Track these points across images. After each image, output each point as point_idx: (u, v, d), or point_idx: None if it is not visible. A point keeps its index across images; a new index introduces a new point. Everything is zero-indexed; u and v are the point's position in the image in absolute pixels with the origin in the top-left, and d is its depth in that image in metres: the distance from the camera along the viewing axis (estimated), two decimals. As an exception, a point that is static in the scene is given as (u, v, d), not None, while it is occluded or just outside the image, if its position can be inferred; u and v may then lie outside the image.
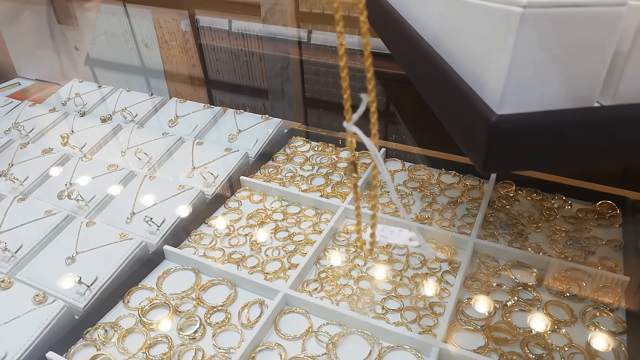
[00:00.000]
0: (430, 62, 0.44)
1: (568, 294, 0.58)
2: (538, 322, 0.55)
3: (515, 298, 0.58)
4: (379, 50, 1.44)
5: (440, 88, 0.43)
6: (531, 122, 0.35)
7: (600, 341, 0.53)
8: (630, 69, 0.35)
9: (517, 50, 0.33)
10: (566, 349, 0.52)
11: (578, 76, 0.35)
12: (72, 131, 0.92)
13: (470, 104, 0.36)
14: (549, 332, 0.54)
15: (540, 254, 0.63)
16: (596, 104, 0.37)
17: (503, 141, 0.35)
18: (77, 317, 0.59)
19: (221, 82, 1.58)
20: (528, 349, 0.52)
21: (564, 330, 0.54)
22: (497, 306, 0.57)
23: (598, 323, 0.55)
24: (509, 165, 0.37)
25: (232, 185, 0.80)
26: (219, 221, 0.73)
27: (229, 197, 0.78)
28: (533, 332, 0.54)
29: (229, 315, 0.58)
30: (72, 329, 0.57)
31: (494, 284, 0.60)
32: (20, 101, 1.06)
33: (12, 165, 0.84)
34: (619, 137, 0.37)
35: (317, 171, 0.82)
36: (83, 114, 0.98)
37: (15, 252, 0.66)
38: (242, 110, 0.94)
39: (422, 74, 0.49)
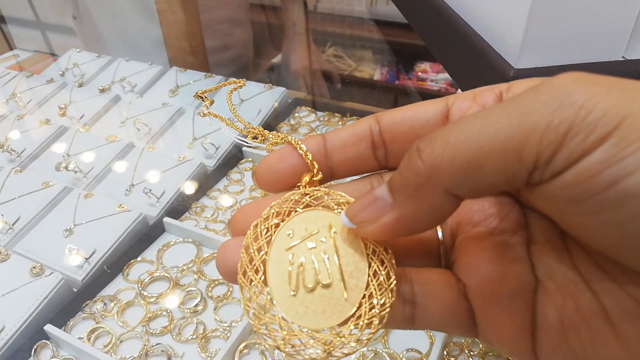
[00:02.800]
0: (443, 16, 0.41)
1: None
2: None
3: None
4: (390, 18, 1.39)
5: (454, 43, 0.40)
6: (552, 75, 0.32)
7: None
8: (665, 19, 0.32)
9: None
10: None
11: (603, 28, 0.32)
12: (70, 102, 0.90)
13: (485, 58, 0.33)
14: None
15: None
16: (622, 59, 0.34)
17: (522, 99, 0.32)
18: (75, 290, 0.58)
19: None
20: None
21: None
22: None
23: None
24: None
25: (235, 156, 0.77)
26: (221, 193, 0.71)
27: (231, 169, 0.75)
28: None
29: (231, 289, 0.56)
30: (71, 302, 0.56)
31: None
32: (18, 72, 1.03)
33: (10, 136, 0.82)
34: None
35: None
36: (81, 85, 0.95)
37: (13, 225, 0.65)
38: (241, 80, 0.91)
39: (434, 29, 0.45)
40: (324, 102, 0.91)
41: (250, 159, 0.77)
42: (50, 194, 0.68)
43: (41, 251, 0.61)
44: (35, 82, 0.98)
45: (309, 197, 0.26)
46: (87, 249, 0.60)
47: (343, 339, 0.23)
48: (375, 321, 0.24)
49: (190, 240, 0.63)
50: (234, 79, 0.45)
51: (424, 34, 0.52)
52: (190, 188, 0.70)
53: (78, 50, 1.07)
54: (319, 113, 0.87)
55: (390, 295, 0.24)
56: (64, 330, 0.53)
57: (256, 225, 0.25)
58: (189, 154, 0.76)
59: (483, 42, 0.34)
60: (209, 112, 0.37)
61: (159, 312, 0.54)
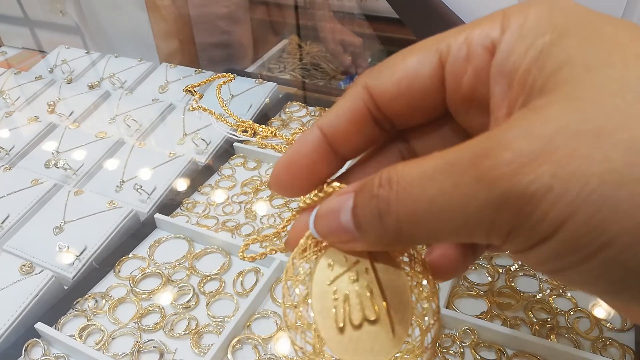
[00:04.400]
0: (435, 9, 0.41)
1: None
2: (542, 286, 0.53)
3: (519, 262, 0.56)
4: (381, 14, 1.39)
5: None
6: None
7: (606, 305, 0.51)
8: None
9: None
10: (571, 313, 0.51)
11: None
12: (59, 99, 0.89)
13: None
14: (554, 297, 0.52)
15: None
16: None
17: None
18: (66, 288, 0.57)
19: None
20: (532, 314, 0.51)
21: (569, 294, 0.53)
22: (501, 271, 0.55)
23: (605, 287, 0.53)
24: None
25: (226, 152, 0.77)
26: (212, 189, 0.71)
27: (222, 164, 0.75)
28: (537, 297, 0.52)
29: (223, 284, 0.56)
30: (62, 299, 0.55)
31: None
32: (6, 69, 1.02)
33: (-2, 134, 0.81)
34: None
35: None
36: (70, 81, 0.94)
37: (2, 223, 0.64)
38: (230, 74, 0.90)
39: (425, 22, 0.45)
40: (314, 97, 0.91)
41: (241, 155, 0.76)
42: (39, 192, 0.68)
43: (31, 249, 0.60)
44: (23, 79, 0.97)
45: None
46: (77, 246, 0.59)
47: None
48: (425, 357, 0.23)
49: (181, 236, 0.62)
50: (223, 74, 0.45)
51: (415, 27, 0.52)
52: (181, 184, 0.70)
53: (67, 46, 1.06)
54: (310, 108, 0.87)
55: (436, 328, 0.24)
56: (55, 328, 0.52)
57: (294, 257, 0.24)
58: (180, 150, 0.75)
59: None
60: (198, 106, 0.37)
61: (151, 309, 0.54)
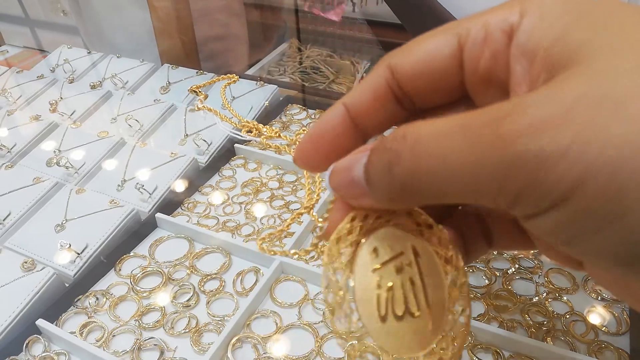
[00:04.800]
0: (436, 15, 0.42)
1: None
2: (539, 289, 0.54)
3: (516, 266, 0.57)
4: (381, 19, 1.40)
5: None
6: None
7: (602, 308, 0.52)
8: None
9: None
10: (567, 316, 0.51)
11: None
12: (61, 98, 0.90)
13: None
14: (550, 300, 0.53)
15: (542, 221, 0.62)
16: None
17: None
18: (67, 285, 0.58)
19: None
20: (529, 317, 0.51)
21: (565, 298, 0.53)
22: (498, 274, 0.56)
23: (600, 290, 0.54)
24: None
25: (227, 153, 0.77)
26: (213, 189, 0.71)
27: (223, 165, 0.76)
28: (534, 300, 0.53)
29: (223, 283, 0.57)
30: (63, 296, 0.56)
31: (494, 252, 0.59)
32: (8, 68, 1.02)
33: (0, 132, 0.81)
34: None
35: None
36: (72, 81, 0.95)
37: (4, 220, 0.64)
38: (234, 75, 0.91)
39: (427, 28, 0.46)
40: (315, 100, 0.91)
41: (242, 156, 0.77)
42: (41, 190, 0.68)
43: (33, 246, 0.61)
44: (25, 78, 0.97)
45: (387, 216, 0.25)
46: (79, 244, 0.60)
47: None
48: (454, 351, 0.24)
49: (182, 235, 0.63)
50: (228, 75, 0.45)
51: (416, 33, 0.53)
52: (182, 184, 0.71)
53: (69, 46, 1.06)
54: (310, 111, 0.87)
55: (465, 331, 0.25)
56: (56, 325, 0.53)
57: (338, 240, 0.24)
58: (181, 150, 0.76)
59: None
60: (203, 106, 0.38)
61: (152, 307, 0.54)
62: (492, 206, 0.18)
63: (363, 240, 0.24)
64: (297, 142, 0.29)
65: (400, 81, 0.24)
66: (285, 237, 0.62)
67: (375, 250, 0.24)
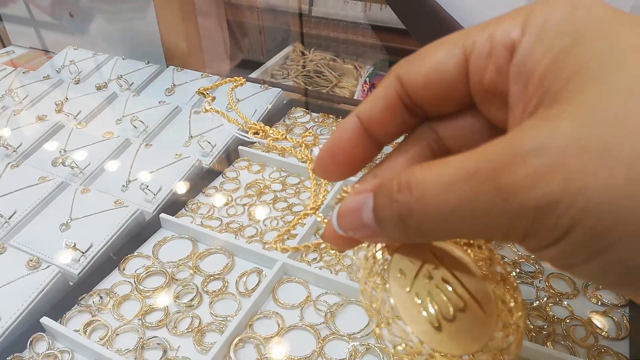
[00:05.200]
0: (441, 21, 0.42)
1: (570, 267, 0.57)
2: (539, 294, 0.55)
3: (517, 270, 0.57)
4: (384, 24, 1.41)
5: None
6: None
7: (602, 313, 0.52)
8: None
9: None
10: (567, 320, 0.52)
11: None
12: (67, 98, 0.90)
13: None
14: (550, 305, 0.53)
15: (543, 226, 0.62)
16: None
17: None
18: (71, 284, 0.58)
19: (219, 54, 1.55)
20: (529, 321, 0.52)
21: (565, 302, 0.54)
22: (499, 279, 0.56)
23: (600, 296, 0.54)
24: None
25: (231, 155, 0.78)
26: (217, 191, 0.72)
27: (227, 167, 0.76)
28: (534, 305, 0.53)
29: (226, 284, 0.57)
30: (67, 295, 0.56)
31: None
32: (14, 68, 1.03)
33: (6, 131, 0.82)
34: None
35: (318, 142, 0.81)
36: (78, 82, 0.95)
37: (9, 219, 0.65)
38: (240, 78, 0.92)
39: (432, 34, 0.47)
40: (318, 104, 0.92)
41: (245, 158, 0.77)
42: (46, 189, 0.69)
43: (37, 245, 0.61)
44: (31, 79, 0.98)
45: None
46: (83, 243, 0.60)
47: (502, 352, 0.24)
48: (520, 323, 0.24)
49: (186, 236, 0.63)
50: (234, 77, 0.46)
51: (420, 38, 0.54)
52: (186, 185, 0.71)
53: (75, 47, 1.07)
54: (314, 114, 0.88)
55: (519, 302, 0.25)
56: (60, 323, 0.53)
57: (365, 284, 0.25)
58: (185, 151, 0.76)
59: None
60: (211, 108, 0.38)
61: (155, 306, 0.55)
62: (504, 242, 0.20)
63: (387, 268, 0.25)
64: (303, 144, 0.31)
65: (409, 92, 0.25)
66: (289, 238, 0.62)
67: (401, 271, 0.25)
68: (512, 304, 0.25)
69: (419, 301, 0.25)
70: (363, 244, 0.27)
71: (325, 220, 0.29)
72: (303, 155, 0.31)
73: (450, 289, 0.25)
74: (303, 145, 0.32)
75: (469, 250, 0.26)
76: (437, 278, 0.25)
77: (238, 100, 0.88)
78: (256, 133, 0.34)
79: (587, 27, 0.20)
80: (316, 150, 0.35)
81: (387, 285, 0.25)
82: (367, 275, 0.26)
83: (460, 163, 0.20)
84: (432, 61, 0.24)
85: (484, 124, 0.26)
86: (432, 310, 0.24)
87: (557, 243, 0.19)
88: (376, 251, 0.26)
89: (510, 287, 0.25)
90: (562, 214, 0.17)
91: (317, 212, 0.31)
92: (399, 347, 0.24)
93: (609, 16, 0.20)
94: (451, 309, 0.24)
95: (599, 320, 0.52)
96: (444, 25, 0.42)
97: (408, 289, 0.25)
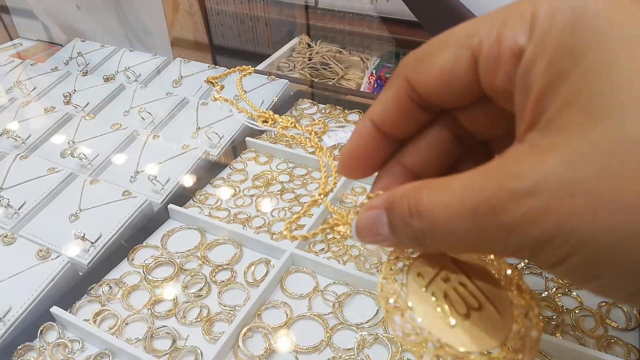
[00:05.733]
0: (449, 8, 0.42)
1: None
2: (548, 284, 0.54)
3: (526, 261, 0.57)
4: (392, 15, 1.40)
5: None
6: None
7: (611, 304, 0.52)
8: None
9: None
10: (577, 311, 0.51)
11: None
12: (75, 90, 0.91)
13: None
14: (559, 295, 0.53)
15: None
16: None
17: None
18: (81, 274, 0.59)
19: (225, 47, 1.54)
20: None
21: (574, 293, 0.53)
22: (507, 269, 0.56)
23: (610, 286, 0.54)
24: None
25: (238, 146, 0.78)
26: (225, 182, 0.72)
27: (234, 158, 0.76)
28: (544, 295, 0.53)
29: (234, 274, 0.57)
30: (76, 284, 0.56)
31: (504, 247, 0.59)
32: (22, 60, 1.04)
33: (15, 123, 0.83)
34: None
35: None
36: (85, 73, 0.96)
37: (19, 209, 0.65)
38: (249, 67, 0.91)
39: (439, 21, 0.46)
40: (324, 95, 0.92)
41: (253, 149, 0.77)
42: (55, 180, 0.69)
43: (47, 235, 0.62)
44: (39, 71, 0.98)
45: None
46: (93, 233, 0.60)
47: (517, 353, 0.25)
48: (535, 333, 0.25)
49: (194, 227, 0.63)
50: (243, 67, 0.46)
51: (431, 29, 0.53)
52: (194, 176, 0.71)
53: (82, 40, 1.07)
54: (321, 105, 0.88)
55: (536, 305, 0.26)
56: (70, 313, 0.53)
57: (383, 281, 0.27)
58: (193, 143, 0.77)
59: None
60: (220, 97, 0.38)
61: (164, 296, 0.55)
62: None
63: (407, 269, 0.27)
64: (312, 132, 0.31)
65: (420, 93, 0.26)
66: (296, 229, 0.63)
67: (419, 274, 0.27)
68: (531, 312, 0.26)
69: (434, 299, 0.26)
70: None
71: (336, 209, 0.30)
72: (313, 144, 0.31)
73: (468, 290, 0.26)
74: (313, 133, 0.32)
75: (493, 262, 0.27)
76: (454, 281, 0.26)
77: (245, 91, 0.88)
78: (265, 121, 0.34)
79: (589, 47, 0.20)
80: (326, 139, 0.35)
81: (404, 281, 0.27)
82: (387, 274, 0.27)
83: (461, 195, 0.22)
84: (440, 64, 0.25)
85: (500, 110, 0.26)
86: (446, 307, 0.25)
87: (558, 266, 0.21)
88: (396, 257, 0.28)
89: (527, 295, 0.26)
90: (558, 247, 0.20)
91: (325, 198, 0.31)
92: (410, 338, 0.25)
93: (614, 29, 0.20)
94: (465, 308, 0.25)
95: (608, 311, 0.51)
96: (455, 14, 0.42)
97: (424, 289, 0.26)
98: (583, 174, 0.19)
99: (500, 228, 0.21)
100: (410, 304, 0.25)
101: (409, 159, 0.29)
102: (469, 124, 0.28)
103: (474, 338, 0.24)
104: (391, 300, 0.26)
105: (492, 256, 0.27)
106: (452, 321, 0.25)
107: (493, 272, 0.27)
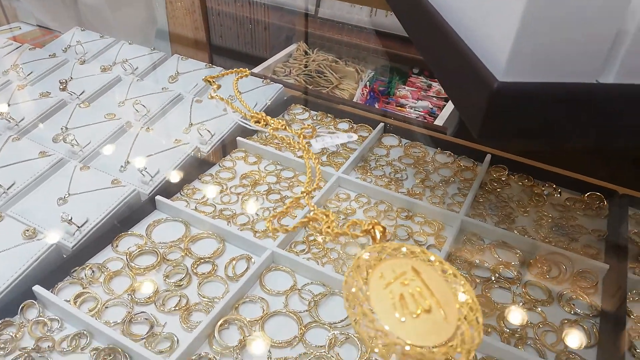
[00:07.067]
0: (435, 27, 0.45)
1: (548, 276, 0.60)
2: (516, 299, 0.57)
3: (497, 275, 0.59)
4: (387, 30, 1.43)
5: (444, 52, 0.43)
6: (531, 92, 0.35)
7: (574, 322, 0.54)
8: (633, 49, 0.36)
9: (526, 18, 0.33)
10: (540, 326, 0.54)
11: (582, 50, 0.36)
12: (71, 78, 0.92)
13: (472, 69, 0.37)
14: (525, 310, 0.56)
15: (526, 236, 0.64)
16: (595, 82, 0.37)
17: (502, 108, 0.36)
18: (65, 256, 0.60)
19: (223, 47, 1.56)
20: (503, 323, 0.54)
21: (540, 309, 0.56)
22: (478, 281, 0.59)
23: (574, 305, 0.56)
24: (504, 133, 0.37)
25: (228, 145, 0.80)
26: (213, 178, 0.73)
27: (224, 156, 0.78)
28: (510, 308, 0.56)
29: (215, 267, 0.59)
30: (60, 266, 0.58)
31: (477, 261, 0.61)
32: (21, 44, 1.04)
33: (9, 105, 0.83)
34: (615, 117, 0.38)
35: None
36: (83, 62, 0.97)
37: (8, 189, 0.66)
38: (245, 69, 0.94)
39: (426, 38, 0.49)
40: (317, 102, 0.94)
41: (243, 149, 0.79)
42: (46, 163, 0.70)
43: (34, 216, 0.63)
44: (37, 56, 0.99)
45: (388, 249, 0.33)
46: (79, 217, 0.62)
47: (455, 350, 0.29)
48: (477, 337, 0.30)
49: (179, 219, 0.65)
50: (240, 69, 0.48)
51: (420, 45, 0.56)
52: (183, 170, 0.73)
53: (82, 29, 1.09)
54: (313, 112, 0.90)
55: (480, 315, 0.30)
56: (52, 292, 0.54)
57: (349, 274, 0.32)
58: (185, 138, 0.78)
59: (472, 54, 0.38)
60: (216, 95, 0.40)
61: (145, 283, 0.56)
62: None
63: (369, 271, 0.32)
64: (301, 135, 0.34)
65: None
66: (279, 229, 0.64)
67: (382, 275, 0.31)
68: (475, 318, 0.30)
69: (391, 297, 0.30)
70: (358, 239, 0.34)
71: (316, 207, 0.36)
72: (300, 146, 0.34)
73: (422, 294, 0.31)
74: (301, 136, 0.34)
75: (448, 270, 0.32)
76: (412, 286, 0.31)
77: (240, 92, 0.90)
78: (258, 122, 0.36)
79: None
80: (314, 143, 0.37)
81: (367, 279, 0.31)
82: (354, 269, 0.32)
83: None
84: None
85: None
86: (400, 305, 0.30)
87: None
88: (363, 254, 0.32)
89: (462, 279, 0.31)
90: None
91: (307, 197, 0.35)
92: (363, 326, 0.30)
93: None
94: (417, 309, 0.30)
95: (569, 328, 0.54)
96: (443, 35, 0.45)
97: (384, 287, 0.30)
98: None
99: None
100: (369, 296, 0.30)
101: None
102: None
103: (418, 334, 0.28)
104: (353, 290, 0.30)
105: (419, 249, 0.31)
106: (403, 318, 0.29)
107: (446, 279, 0.32)
